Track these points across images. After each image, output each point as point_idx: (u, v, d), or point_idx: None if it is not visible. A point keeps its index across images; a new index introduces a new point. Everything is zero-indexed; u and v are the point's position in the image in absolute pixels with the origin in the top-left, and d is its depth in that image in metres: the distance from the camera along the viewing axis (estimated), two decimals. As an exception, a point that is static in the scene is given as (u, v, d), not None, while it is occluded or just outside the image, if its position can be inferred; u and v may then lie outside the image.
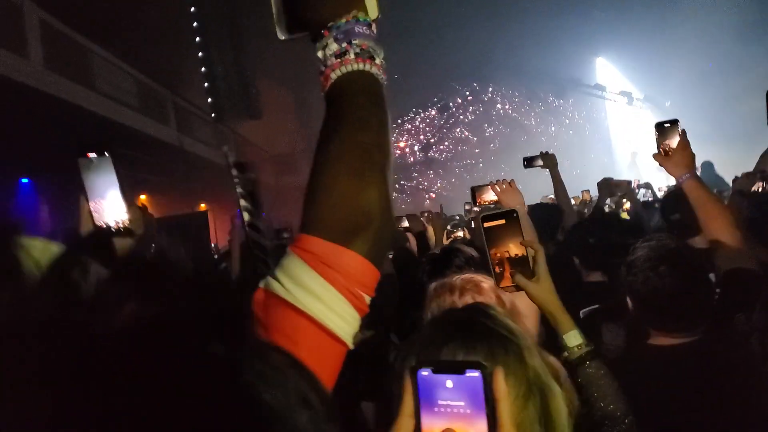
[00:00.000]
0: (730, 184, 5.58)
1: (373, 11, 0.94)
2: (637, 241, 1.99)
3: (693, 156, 2.16)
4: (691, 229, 2.77)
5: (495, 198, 2.95)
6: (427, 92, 22.03)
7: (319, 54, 0.89)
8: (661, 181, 14.48)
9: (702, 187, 2.10)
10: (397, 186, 22.04)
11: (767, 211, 3.96)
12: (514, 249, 1.56)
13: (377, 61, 0.90)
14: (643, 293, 1.81)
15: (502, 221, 1.58)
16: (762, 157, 4.35)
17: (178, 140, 14.40)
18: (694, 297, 1.79)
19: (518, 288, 1.54)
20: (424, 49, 18.37)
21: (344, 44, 0.87)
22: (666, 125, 2.21)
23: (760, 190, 4.50)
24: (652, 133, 2.26)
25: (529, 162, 4.49)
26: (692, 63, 17.96)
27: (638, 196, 8.03)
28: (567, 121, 23.08)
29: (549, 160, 4.38)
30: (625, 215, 6.07)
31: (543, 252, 1.56)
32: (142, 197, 11.40)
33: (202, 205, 14.23)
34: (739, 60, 17.80)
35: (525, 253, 1.56)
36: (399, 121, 22.64)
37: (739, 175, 4.73)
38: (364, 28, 0.90)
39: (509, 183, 2.73)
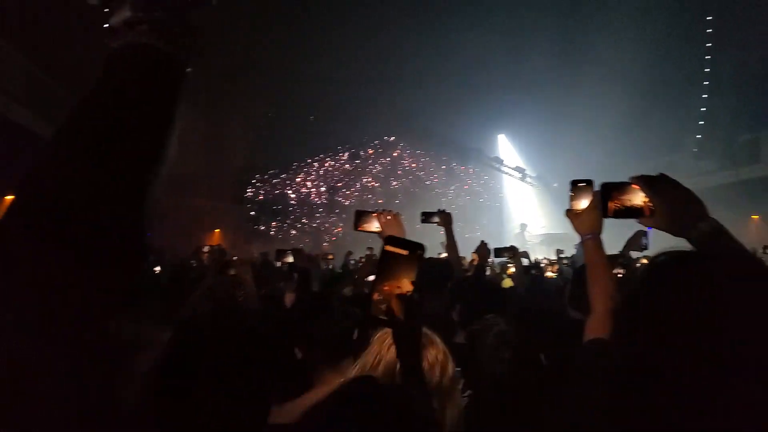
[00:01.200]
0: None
1: None
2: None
3: (600, 218, 2.12)
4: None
5: (378, 228, 2.81)
6: (340, 138, 22.48)
7: (110, 21, 0.71)
8: (542, 253, 15.87)
9: (599, 250, 2.11)
10: (298, 225, 22.03)
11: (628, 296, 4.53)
12: (402, 284, 1.46)
13: (181, 43, 0.72)
14: (482, 363, 1.92)
15: (405, 251, 1.47)
16: (627, 242, 4.60)
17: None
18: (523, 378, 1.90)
19: (385, 324, 1.46)
20: (344, 98, 18.90)
21: (141, 14, 0.70)
22: (580, 184, 2.20)
23: (619, 275, 5.08)
24: (566, 193, 2.22)
25: (426, 217, 4.50)
26: (580, 151, 19.94)
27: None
28: (466, 186, 24.39)
29: (444, 218, 4.43)
30: (508, 281, 6.43)
31: (418, 300, 1.48)
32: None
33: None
34: (621, 154, 20.06)
35: (409, 293, 1.46)
36: (309, 160, 22.85)
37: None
38: (176, 1, 0.73)
39: (394, 215, 2.60)
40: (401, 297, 1.43)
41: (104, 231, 0.61)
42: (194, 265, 7.24)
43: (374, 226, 2.95)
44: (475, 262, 5.76)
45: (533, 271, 5.91)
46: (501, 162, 23.61)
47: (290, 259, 5.48)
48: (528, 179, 23.43)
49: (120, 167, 0.64)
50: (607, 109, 16.62)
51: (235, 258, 4.21)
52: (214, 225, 19.26)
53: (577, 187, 2.18)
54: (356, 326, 2.15)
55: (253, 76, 17.47)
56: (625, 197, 1.52)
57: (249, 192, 21.51)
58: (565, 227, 2.39)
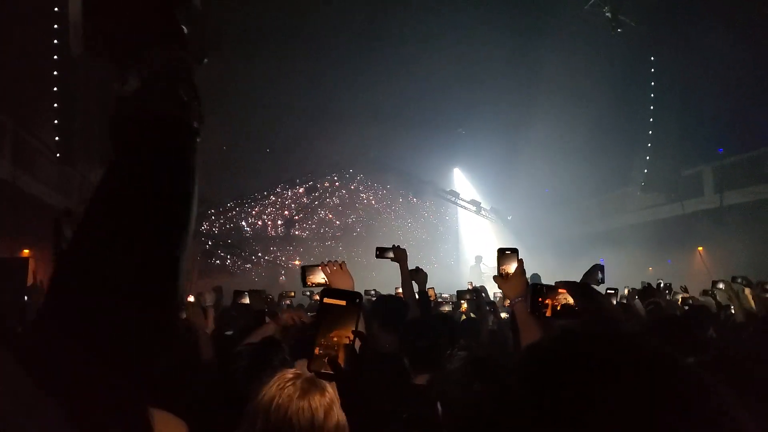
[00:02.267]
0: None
1: (197, 52, 0.78)
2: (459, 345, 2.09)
3: (526, 282, 2.33)
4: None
5: (324, 280, 2.84)
6: (297, 170, 22.39)
7: (117, 85, 0.72)
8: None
9: (527, 313, 2.24)
10: (253, 258, 21.58)
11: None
12: (343, 334, 1.44)
13: (190, 111, 0.74)
14: (451, 401, 1.85)
15: (343, 302, 1.46)
16: (584, 276, 4.98)
17: (11, 176, 13.01)
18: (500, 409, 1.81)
19: (328, 378, 1.45)
20: (299, 131, 18.90)
21: (149, 82, 0.71)
22: (507, 252, 2.36)
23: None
24: (494, 255, 2.42)
25: (381, 252, 4.55)
26: (533, 186, 20.40)
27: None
28: (422, 219, 24.50)
29: (400, 254, 4.48)
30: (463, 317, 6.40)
31: (367, 347, 1.50)
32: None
33: (26, 251, 12.88)
34: (572, 188, 20.61)
35: (351, 342, 1.44)
36: (265, 193, 22.59)
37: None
38: (181, 68, 0.74)
39: (340, 265, 2.64)
40: (344, 347, 1.42)
41: (141, 308, 0.61)
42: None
43: (320, 277, 3.07)
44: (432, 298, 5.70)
45: (490, 308, 5.86)
46: (457, 195, 23.89)
47: (246, 300, 5.34)
48: (483, 212, 23.75)
49: (151, 242, 0.64)
50: (558, 144, 17.10)
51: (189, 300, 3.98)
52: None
53: (504, 254, 2.36)
54: None
55: (206, 108, 17.28)
56: (558, 297, 1.67)
57: (203, 226, 21.04)
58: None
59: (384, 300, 4.42)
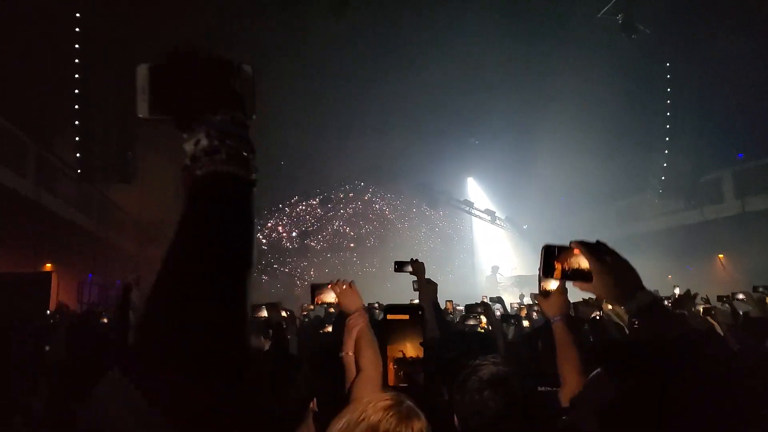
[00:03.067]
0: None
1: (250, 111, 0.88)
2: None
3: (567, 302, 2.36)
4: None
5: (334, 299, 2.87)
6: (312, 183, 22.52)
7: (186, 147, 0.81)
8: (514, 295, 15.79)
9: (567, 332, 2.31)
10: (269, 269, 21.68)
11: (600, 337, 4.51)
12: (410, 348, 1.49)
13: (250, 165, 0.84)
14: (466, 414, 1.85)
15: (406, 316, 1.53)
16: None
17: (35, 194, 13.27)
18: (513, 421, 1.83)
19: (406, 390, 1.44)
20: (316, 143, 18.99)
21: (216, 142, 0.80)
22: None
23: (597, 317, 5.08)
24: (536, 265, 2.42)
25: (399, 267, 4.51)
26: (549, 194, 20.26)
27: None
28: (437, 229, 24.43)
29: (417, 267, 4.44)
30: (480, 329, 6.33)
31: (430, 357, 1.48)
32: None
33: (48, 265, 13.06)
34: (589, 195, 20.44)
35: (419, 355, 1.49)
36: (280, 205, 22.73)
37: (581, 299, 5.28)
38: (240, 128, 0.84)
39: (349, 284, 2.64)
40: (416, 361, 1.49)
41: (217, 350, 0.69)
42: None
43: (330, 297, 3.06)
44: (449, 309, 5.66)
45: (513, 321, 5.77)
46: (471, 205, 23.81)
47: (264, 313, 5.29)
48: (498, 221, 23.63)
49: (222, 292, 0.73)
50: (573, 151, 16.97)
51: None
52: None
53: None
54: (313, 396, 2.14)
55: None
56: (570, 260, 1.53)
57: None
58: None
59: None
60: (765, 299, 5.65)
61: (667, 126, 17.07)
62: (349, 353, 2.49)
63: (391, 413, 1.64)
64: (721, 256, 16.80)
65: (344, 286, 2.62)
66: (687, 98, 16.35)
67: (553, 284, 2.31)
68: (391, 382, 1.51)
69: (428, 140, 19.30)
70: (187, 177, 0.80)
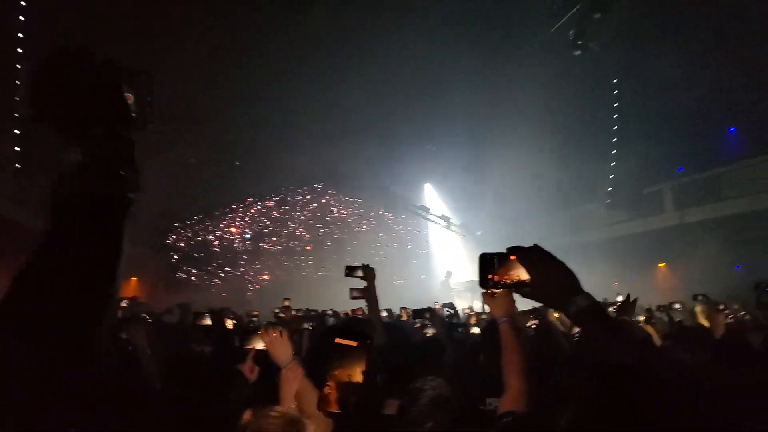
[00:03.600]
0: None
1: (141, 123, 0.82)
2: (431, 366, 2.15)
3: (513, 302, 2.33)
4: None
5: (263, 346, 2.72)
6: (267, 184, 22.23)
7: (62, 156, 0.76)
8: (467, 300, 16.07)
9: (513, 333, 2.28)
10: (220, 273, 21.27)
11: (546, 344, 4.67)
12: (353, 375, 1.47)
13: (125, 184, 0.78)
14: None
15: (354, 344, 1.49)
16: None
17: (-27, 191, 12.57)
18: None
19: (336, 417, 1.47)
20: (269, 144, 18.78)
21: (88, 158, 0.75)
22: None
23: (532, 326, 5.25)
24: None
25: (350, 271, 4.53)
26: (501, 202, 20.69)
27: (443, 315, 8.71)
28: (394, 234, 24.59)
29: (368, 273, 4.43)
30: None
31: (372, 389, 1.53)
32: None
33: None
34: (540, 204, 20.97)
35: (362, 383, 1.48)
36: (233, 206, 22.33)
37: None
38: (119, 143, 0.78)
39: (280, 332, 2.51)
40: (353, 387, 1.44)
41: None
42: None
43: (260, 344, 2.93)
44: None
45: (459, 329, 5.85)
46: (427, 210, 24.05)
47: (207, 321, 5.21)
48: (453, 227, 23.93)
49: (70, 318, 0.69)
50: (525, 161, 17.41)
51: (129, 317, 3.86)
52: (130, 274, 18.36)
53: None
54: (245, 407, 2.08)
55: (173, 120, 17.06)
56: (508, 269, 1.49)
57: (169, 239, 20.66)
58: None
59: (348, 323, 4.38)
60: (696, 309, 5.98)
61: (614, 140, 17.77)
62: (291, 406, 2.31)
63: (272, 423, 1.61)
64: (662, 264, 17.56)
65: (274, 334, 2.47)
66: (633, 114, 17.09)
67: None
68: (324, 406, 1.48)
69: (387, 146, 19.42)
70: (53, 192, 0.75)
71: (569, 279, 1.44)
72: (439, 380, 2.01)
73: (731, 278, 12.67)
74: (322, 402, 1.47)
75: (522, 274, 1.46)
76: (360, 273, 4.45)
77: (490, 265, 1.51)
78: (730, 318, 5.35)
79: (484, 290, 2.17)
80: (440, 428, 1.80)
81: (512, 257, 1.48)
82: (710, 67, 14.09)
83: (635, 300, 5.97)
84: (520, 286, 1.47)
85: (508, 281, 1.48)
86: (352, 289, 4.49)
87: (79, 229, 0.73)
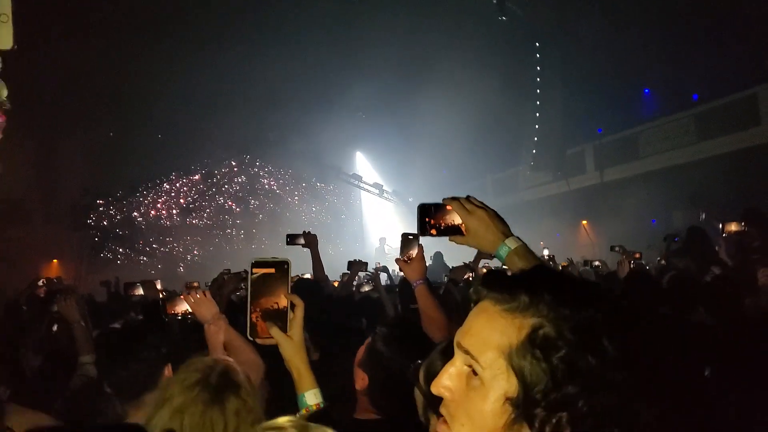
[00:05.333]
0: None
1: (6, 41, 0.70)
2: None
3: (425, 266, 2.51)
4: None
5: (188, 308, 2.86)
6: (192, 157, 21.43)
7: None
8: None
9: (428, 294, 2.45)
10: (148, 250, 20.50)
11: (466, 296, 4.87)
12: (276, 300, 1.52)
13: None
14: (395, 381, 1.90)
15: (272, 270, 1.52)
16: (477, 255, 5.41)
17: None
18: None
19: (270, 342, 1.52)
20: (196, 116, 18.05)
21: None
22: (409, 237, 2.47)
23: (469, 279, 5.49)
24: (398, 238, 2.52)
25: (291, 239, 4.59)
26: (431, 167, 20.98)
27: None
28: (327, 203, 24.50)
29: (310, 239, 4.57)
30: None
31: (303, 308, 1.56)
32: None
33: None
34: (468, 168, 21.44)
35: (285, 306, 1.52)
36: (158, 181, 21.41)
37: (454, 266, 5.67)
38: None
39: (203, 293, 2.63)
40: (278, 313, 1.50)
41: None
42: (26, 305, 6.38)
43: (183, 306, 3.10)
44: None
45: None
46: (359, 179, 24.05)
47: (140, 291, 5.23)
48: (385, 195, 24.11)
49: None
50: (453, 127, 17.66)
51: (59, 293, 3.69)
52: (50, 255, 17.40)
53: (407, 239, 2.46)
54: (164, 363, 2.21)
55: (92, 94, 16.04)
56: (444, 217, 1.60)
57: (91, 218, 19.61)
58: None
59: (297, 285, 4.44)
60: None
61: (537, 103, 18.31)
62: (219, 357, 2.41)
63: (195, 393, 1.64)
64: (584, 222, 18.48)
65: (198, 296, 2.57)
66: (554, 77, 17.63)
67: (414, 252, 2.46)
68: (253, 334, 1.51)
69: (316, 114, 19.12)
70: None
71: (499, 223, 1.56)
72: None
73: (648, 233, 13.52)
74: (252, 331, 1.50)
75: (456, 219, 1.58)
76: (302, 240, 4.56)
77: (427, 213, 1.62)
78: (647, 265, 5.80)
79: (403, 249, 2.46)
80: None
81: (448, 207, 1.60)
82: (627, 31, 14.70)
83: (553, 256, 6.39)
84: (454, 231, 1.59)
85: (443, 225, 1.60)
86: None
87: None
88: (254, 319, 1.50)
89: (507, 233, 1.54)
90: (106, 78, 13.70)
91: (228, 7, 14.82)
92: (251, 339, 1.53)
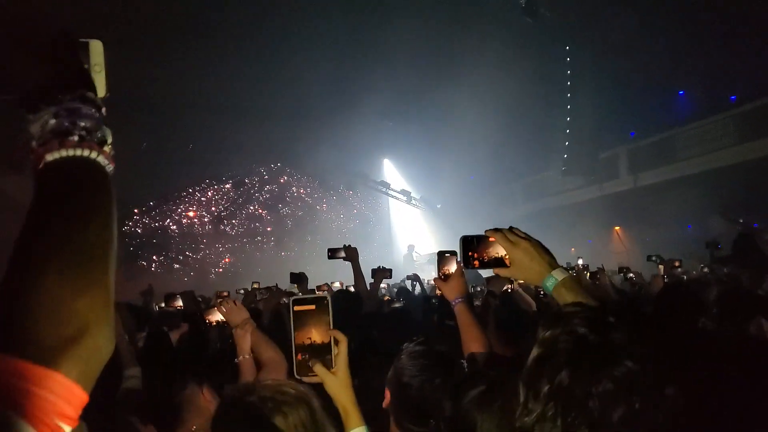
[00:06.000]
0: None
1: (101, 89, 0.83)
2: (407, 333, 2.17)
3: (465, 284, 2.44)
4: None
5: (222, 318, 3.00)
6: (223, 166, 21.75)
7: (32, 128, 0.72)
8: (430, 272, 16.21)
9: (469, 312, 2.36)
10: (181, 258, 20.85)
11: (511, 309, 4.77)
12: (319, 336, 1.52)
13: (105, 148, 0.77)
14: (415, 398, 1.87)
15: (312, 306, 1.54)
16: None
17: None
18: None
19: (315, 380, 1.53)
20: (227, 125, 18.33)
21: (67, 123, 0.73)
22: (446, 254, 2.43)
23: (509, 290, 5.38)
24: (434, 258, 2.48)
25: (332, 253, 4.69)
26: (459, 173, 20.85)
27: (408, 287, 8.78)
28: (355, 211, 24.53)
29: (351, 253, 4.65)
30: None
31: (346, 343, 1.55)
32: None
33: None
34: (497, 174, 21.23)
35: (329, 342, 1.53)
36: (190, 190, 21.80)
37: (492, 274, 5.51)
38: (92, 109, 0.77)
39: (234, 302, 2.82)
40: (321, 350, 1.51)
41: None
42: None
43: (217, 316, 3.26)
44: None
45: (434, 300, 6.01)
46: (387, 186, 24.05)
47: (179, 303, 5.36)
48: (413, 201, 24.07)
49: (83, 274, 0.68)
50: (481, 132, 17.52)
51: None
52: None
53: (443, 256, 2.43)
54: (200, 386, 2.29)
55: (125, 105, 16.44)
56: (487, 249, 1.61)
57: (126, 226, 20.07)
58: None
59: (336, 297, 4.51)
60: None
61: (568, 107, 18.01)
62: (245, 356, 2.60)
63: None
64: (617, 228, 18.08)
65: (229, 305, 2.79)
66: (585, 80, 17.32)
67: (452, 268, 2.41)
68: (301, 373, 1.53)
69: (344, 123, 19.18)
70: (35, 161, 0.72)
71: (545, 255, 1.55)
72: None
73: (684, 238, 13.13)
74: (298, 370, 1.53)
75: (500, 251, 1.59)
76: (342, 254, 4.65)
77: (470, 245, 1.63)
78: (684, 275, 5.57)
79: (441, 267, 2.43)
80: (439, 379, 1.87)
81: (491, 238, 1.60)
82: (659, 31, 14.36)
83: (587, 266, 6.23)
84: (498, 263, 1.60)
85: (487, 259, 1.61)
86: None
87: (70, 198, 0.71)
88: (299, 358, 1.52)
89: (553, 264, 1.54)
90: (138, 87, 13.98)
91: (257, 16, 15.00)
92: (298, 378, 1.54)
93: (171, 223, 21.29)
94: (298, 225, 22.61)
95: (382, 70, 17.26)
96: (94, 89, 0.80)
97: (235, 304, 2.80)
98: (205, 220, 22.04)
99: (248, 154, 20.89)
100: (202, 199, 22.19)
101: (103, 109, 0.79)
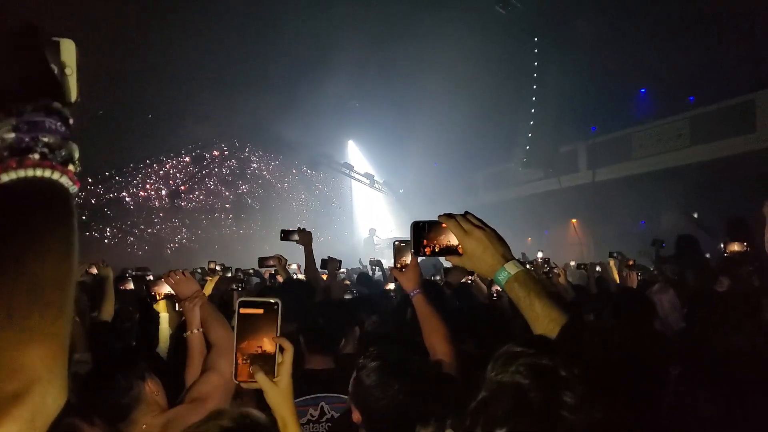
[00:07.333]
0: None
1: (72, 93, 0.77)
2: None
3: (421, 274, 2.38)
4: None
5: (169, 290, 2.86)
6: (183, 139, 21.13)
7: None
8: (390, 257, 16.29)
9: (427, 303, 2.33)
10: (136, 232, 20.26)
11: (466, 301, 4.82)
12: (264, 342, 1.44)
13: (70, 166, 0.71)
14: (375, 408, 1.81)
15: (260, 310, 1.44)
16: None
17: None
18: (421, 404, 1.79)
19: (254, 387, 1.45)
20: (186, 97, 17.78)
21: (27, 139, 0.65)
22: (402, 245, 2.33)
23: (467, 282, 5.43)
24: (392, 246, 2.38)
25: (285, 235, 4.54)
26: (423, 160, 20.90)
27: (369, 273, 8.77)
28: (317, 191, 24.33)
29: (305, 237, 4.50)
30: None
31: (292, 353, 1.48)
32: None
33: None
34: (460, 162, 21.38)
35: (273, 351, 1.44)
36: (148, 161, 21.10)
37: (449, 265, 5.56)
38: (58, 122, 0.69)
39: (182, 273, 2.67)
40: (265, 357, 1.42)
41: None
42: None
43: (166, 288, 3.06)
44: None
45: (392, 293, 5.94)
46: (351, 168, 23.91)
47: (130, 285, 5.35)
48: (376, 185, 24.02)
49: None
50: (446, 120, 17.58)
51: None
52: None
53: (400, 247, 2.32)
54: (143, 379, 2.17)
55: (81, 71, 15.70)
56: (439, 236, 1.51)
57: (78, 196, 19.32)
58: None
59: (287, 284, 4.56)
60: (611, 264, 6.42)
61: (533, 98, 18.25)
62: (194, 331, 2.51)
63: None
64: (574, 221, 18.53)
65: (177, 276, 2.64)
66: (551, 74, 17.55)
67: (408, 258, 2.32)
68: (240, 378, 1.43)
69: (309, 101, 18.90)
70: None
71: (500, 246, 1.46)
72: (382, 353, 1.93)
73: (637, 234, 13.56)
74: (238, 374, 1.43)
75: (452, 239, 1.49)
76: (296, 237, 4.50)
77: (422, 232, 1.52)
78: (640, 276, 5.73)
79: (397, 257, 2.33)
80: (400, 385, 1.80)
81: (444, 225, 1.49)
82: (624, 29, 14.64)
83: (548, 259, 6.35)
84: (450, 252, 1.49)
85: (438, 247, 1.50)
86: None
87: (27, 224, 0.63)
88: (240, 362, 1.42)
89: (507, 257, 1.44)
90: (95, 54, 13.39)
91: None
92: (237, 382, 1.44)
93: (126, 195, 20.61)
94: (257, 203, 22.27)
95: (351, 51, 17.07)
96: (61, 96, 0.72)
97: (185, 275, 2.65)
98: (162, 193, 21.41)
99: (210, 127, 20.37)
100: (160, 171, 21.53)
101: (71, 120, 0.71)
